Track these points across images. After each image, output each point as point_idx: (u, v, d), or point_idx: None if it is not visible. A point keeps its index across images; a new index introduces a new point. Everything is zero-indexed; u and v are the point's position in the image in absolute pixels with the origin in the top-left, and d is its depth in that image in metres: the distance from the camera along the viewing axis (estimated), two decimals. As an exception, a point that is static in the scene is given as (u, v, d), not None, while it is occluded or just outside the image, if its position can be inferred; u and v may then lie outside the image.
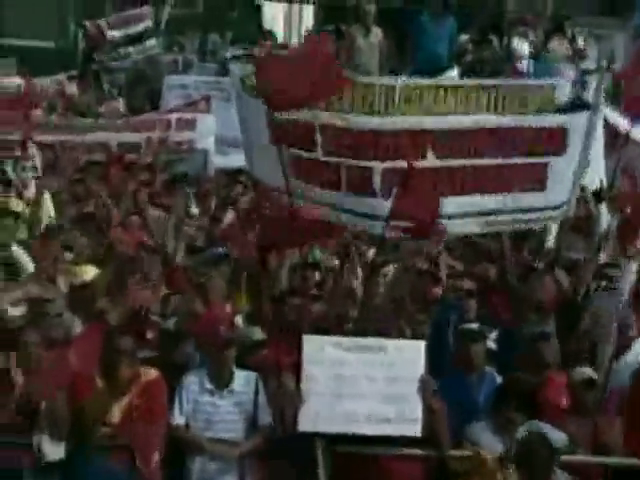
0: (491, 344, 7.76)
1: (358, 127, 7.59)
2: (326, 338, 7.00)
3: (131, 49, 19.93)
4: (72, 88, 17.98)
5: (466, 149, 7.62)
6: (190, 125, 13.21)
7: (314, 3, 24.91)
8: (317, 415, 6.83)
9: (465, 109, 7.65)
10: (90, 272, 7.99)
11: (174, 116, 13.27)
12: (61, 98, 16.79)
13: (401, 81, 7.80)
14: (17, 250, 8.88)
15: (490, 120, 7.66)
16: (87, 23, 20.30)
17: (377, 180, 7.60)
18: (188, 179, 12.30)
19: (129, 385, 6.71)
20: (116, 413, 6.67)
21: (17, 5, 20.10)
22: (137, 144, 12.68)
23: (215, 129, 13.20)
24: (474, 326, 7.76)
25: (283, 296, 7.94)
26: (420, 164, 7.47)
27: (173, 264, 8.79)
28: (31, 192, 10.83)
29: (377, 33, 14.29)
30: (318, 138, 7.59)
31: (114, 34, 20.04)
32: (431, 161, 7.56)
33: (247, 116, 8.17)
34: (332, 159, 7.64)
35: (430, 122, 7.61)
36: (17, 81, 17.67)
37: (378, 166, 7.59)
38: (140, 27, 20.37)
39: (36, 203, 10.22)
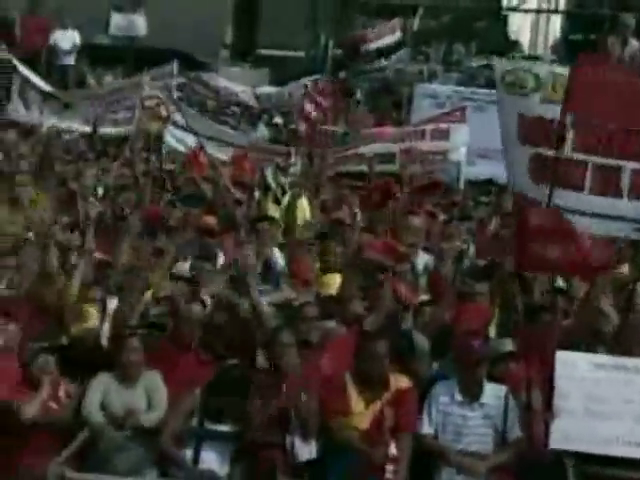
0: None
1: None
2: (580, 355, 6.87)
3: (384, 62, 20.23)
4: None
5: None
6: (444, 136, 13.11)
7: (563, 12, 24.45)
8: (568, 433, 6.71)
9: None
10: (337, 282, 8.11)
11: (429, 126, 13.22)
12: (307, 101, 17.20)
13: None
14: (276, 254, 9.12)
15: None
16: (344, 38, 20.83)
17: (625, 180, 7.46)
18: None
19: (381, 391, 6.77)
20: (367, 418, 6.73)
21: (272, 18, 20.81)
22: (392, 154, 12.74)
23: (468, 140, 13.12)
24: None
25: (536, 310, 7.81)
26: None
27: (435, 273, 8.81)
28: (288, 198, 11.13)
29: (634, 45, 13.86)
30: (569, 134, 7.46)
31: (368, 47, 20.39)
32: None
33: (501, 113, 8.03)
34: (580, 156, 7.50)
35: None
36: (268, 90, 18.26)
37: (628, 166, 7.44)
38: (392, 39, 20.66)
39: (290, 208, 10.48)
